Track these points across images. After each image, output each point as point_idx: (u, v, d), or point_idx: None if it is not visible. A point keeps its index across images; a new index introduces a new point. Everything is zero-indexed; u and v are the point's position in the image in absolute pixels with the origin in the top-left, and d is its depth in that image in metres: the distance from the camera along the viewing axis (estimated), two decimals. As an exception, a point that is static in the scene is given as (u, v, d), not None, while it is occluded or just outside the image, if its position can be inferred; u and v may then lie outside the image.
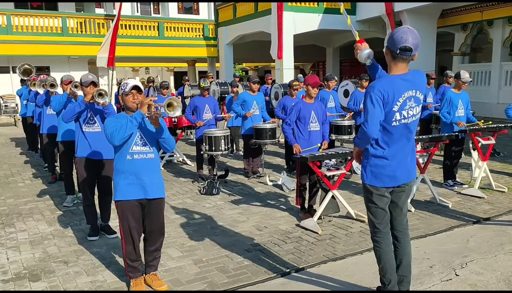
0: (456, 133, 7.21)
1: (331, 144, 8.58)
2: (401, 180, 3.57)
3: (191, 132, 13.45)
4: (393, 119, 3.45)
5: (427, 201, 7.01)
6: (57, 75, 8.16)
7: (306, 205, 6.47)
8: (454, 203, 6.87)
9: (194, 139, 9.90)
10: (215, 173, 8.19)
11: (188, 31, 24.73)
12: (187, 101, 12.85)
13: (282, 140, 10.98)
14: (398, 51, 3.37)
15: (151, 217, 4.26)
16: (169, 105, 3.94)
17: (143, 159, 4.16)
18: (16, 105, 19.12)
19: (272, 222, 6.23)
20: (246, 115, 9.16)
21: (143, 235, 4.35)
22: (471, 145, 7.38)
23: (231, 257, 5.04)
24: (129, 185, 4.12)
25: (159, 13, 32.92)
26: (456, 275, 4.23)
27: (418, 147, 7.73)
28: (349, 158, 6.41)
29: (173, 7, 32.69)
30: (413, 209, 6.50)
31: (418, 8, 17.33)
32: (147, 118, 4.04)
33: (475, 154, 7.36)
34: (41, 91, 7.95)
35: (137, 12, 31.38)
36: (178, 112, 3.98)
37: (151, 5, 32.76)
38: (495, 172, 8.80)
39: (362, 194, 3.83)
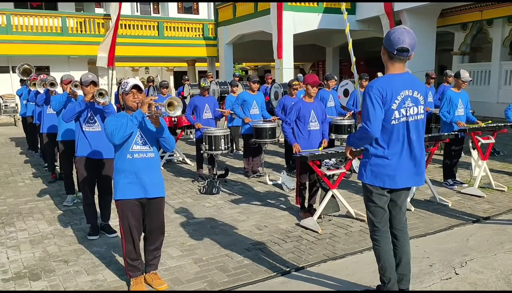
0: (456, 132, 7.22)
1: (331, 144, 8.58)
2: (401, 183, 3.55)
3: (191, 131, 13.46)
4: (392, 118, 3.46)
5: (427, 200, 7.02)
6: (57, 75, 8.16)
7: (306, 204, 6.48)
8: (454, 202, 6.87)
9: (194, 139, 9.91)
10: (215, 172, 8.20)
11: (188, 31, 24.73)
12: (187, 101, 12.86)
13: (282, 139, 10.99)
14: (396, 52, 3.40)
15: (151, 216, 4.26)
16: (170, 104, 3.95)
17: (143, 158, 4.16)
18: (16, 105, 19.11)
19: (272, 221, 6.23)
20: (245, 120, 9.14)
21: (143, 234, 4.36)
22: (471, 144, 7.38)
23: (231, 256, 5.05)
24: (129, 184, 4.12)
25: (158, 13, 32.90)
26: (456, 273, 4.24)
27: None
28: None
29: (172, 7, 32.67)
30: (413, 208, 6.51)
31: (418, 7, 17.33)
32: (147, 117, 4.04)
33: (475, 153, 7.36)
34: (41, 90, 7.95)
35: (137, 12, 31.36)
36: (178, 112, 3.98)
37: (151, 5, 32.73)
38: (495, 171, 8.81)
39: (362, 193, 3.84)
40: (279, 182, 8.12)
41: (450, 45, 21.32)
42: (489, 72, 19.02)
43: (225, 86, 14.01)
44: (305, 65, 36.83)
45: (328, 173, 5.91)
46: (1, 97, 19.96)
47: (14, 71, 17.79)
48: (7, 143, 14.74)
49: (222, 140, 7.87)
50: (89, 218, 5.80)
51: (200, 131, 8.31)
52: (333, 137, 8.95)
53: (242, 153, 9.88)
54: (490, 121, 7.82)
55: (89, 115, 5.64)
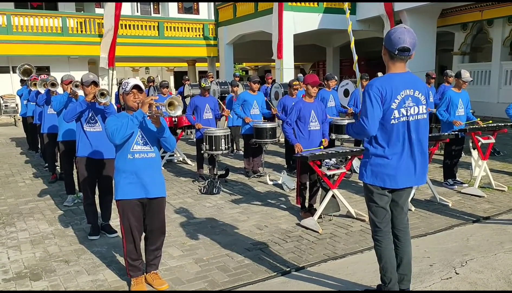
0: (456, 132, 7.22)
1: (331, 144, 8.58)
2: (402, 183, 3.55)
3: (191, 132, 13.47)
4: (392, 117, 3.46)
5: (427, 200, 7.03)
6: (57, 75, 8.17)
7: (307, 204, 6.49)
8: (454, 202, 6.88)
9: (194, 139, 9.92)
10: (215, 173, 8.21)
11: (188, 31, 24.73)
12: (187, 101, 12.86)
13: (282, 139, 10.99)
14: (397, 52, 3.41)
15: (152, 216, 4.27)
16: (170, 104, 3.95)
17: (144, 158, 4.17)
18: (16, 105, 19.13)
19: (273, 221, 6.24)
20: (246, 120, 9.16)
21: (144, 234, 4.36)
22: (471, 144, 7.39)
23: (231, 256, 5.05)
24: (130, 184, 4.13)
25: (159, 13, 32.90)
26: (456, 273, 4.24)
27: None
28: (349, 157, 6.43)
29: (173, 7, 32.68)
30: (413, 208, 6.51)
31: (418, 7, 17.34)
32: (148, 117, 4.05)
33: (475, 153, 7.37)
34: (42, 90, 7.97)
35: (137, 12, 31.37)
36: (179, 112, 3.99)
37: (151, 5, 32.74)
38: (495, 171, 8.82)
39: (362, 193, 3.84)
40: (280, 182, 8.12)
41: (450, 45, 21.32)
42: (489, 72, 19.01)
43: (226, 86, 14.01)
44: (306, 65, 36.85)
45: (329, 172, 5.91)
46: (1, 97, 19.97)
47: (14, 72, 17.80)
48: (7, 144, 14.75)
49: (223, 140, 7.88)
50: (90, 218, 5.80)
51: (201, 131, 8.32)
52: (334, 137, 8.95)
53: (243, 153, 9.89)
54: (490, 121, 7.82)
55: (90, 115, 5.64)
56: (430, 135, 7.08)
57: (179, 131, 11.49)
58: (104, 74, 22.12)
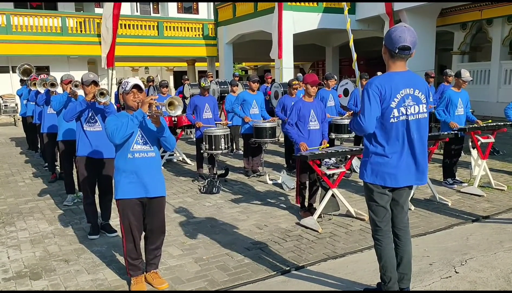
0: (456, 131, 7.23)
1: (331, 143, 8.58)
2: (402, 181, 3.55)
3: (191, 131, 13.47)
4: (391, 116, 3.46)
5: (427, 199, 7.03)
6: (56, 75, 8.16)
7: (306, 204, 6.49)
8: (453, 201, 6.88)
9: (194, 139, 9.92)
10: (215, 172, 8.21)
11: (188, 30, 24.72)
12: (187, 101, 12.86)
13: (282, 139, 11.00)
14: (397, 50, 3.41)
15: (152, 215, 4.27)
16: (170, 104, 3.96)
17: (144, 158, 4.17)
18: (16, 105, 19.12)
19: (272, 221, 6.24)
20: (245, 120, 9.16)
21: (143, 233, 4.37)
22: (470, 144, 7.39)
23: (231, 255, 5.06)
24: (130, 184, 4.13)
25: (158, 13, 32.89)
26: (456, 272, 4.24)
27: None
28: (349, 156, 6.43)
29: (172, 6, 32.66)
30: (412, 207, 6.51)
31: (418, 7, 17.34)
32: (148, 117, 4.05)
33: (474, 152, 7.37)
34: (41, 90, 7.96)
35: (137, 11, 31.35)
36: (179, 111, 3.99)
37: (151, 5, 32.72)
38: (494, 170, 8.82)
39: (362, 192, 3.85)
40: (279, 181, 8.13)
41: (450, 45, 21.33)
42: (489, 71, 19.01)
43: (225, 86, 14.02)
44: (305, 65, 36.84)
45: (328, 172, 5.92)
46: (1, 97, 19.96)
47: (14, 71, 17.80)
48: (7, 143, 14.75)
49: (222, 140, 7.89)
50: (90, 218, 5.81)
51: (200, 130, 8.32)
52: (333, 136, 8.96)
53: (242, 153, 9.89)
54: (490, 121, 7.83)
55: (90, 115, 5.65)
56: (430, 134, 7.09)
57: (178, 131, 11.50)
58: (104, 74, 22.13)
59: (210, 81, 13.43)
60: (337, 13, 19.73)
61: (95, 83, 5.57)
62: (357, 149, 6.24)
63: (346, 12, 10.44)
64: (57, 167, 9.17)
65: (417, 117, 3.52)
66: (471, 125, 7.50)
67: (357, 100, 9.76)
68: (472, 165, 7.44)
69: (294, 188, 7.39)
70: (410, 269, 3.76)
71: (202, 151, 8.16)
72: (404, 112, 3.48)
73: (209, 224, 6.15)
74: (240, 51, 25.63)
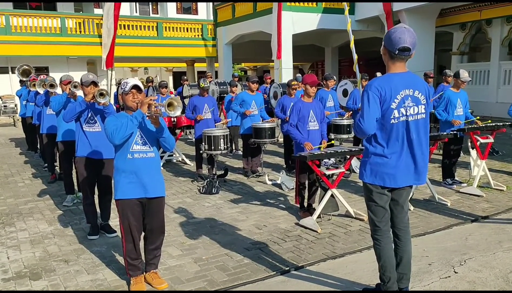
0: (455, 132, 7.24)
1: (329, 145, 8.59)
2: (401, 181, 3.56)
3: (190, 132, 13.46)
4: (392, 117, 3.47)
5: (426, 200, 7.04)
6: (56, 76, 8.18)
7: (306, 204, 6.49)
8: (453, 202, 6.89)
9: (193, 139, 9.92)
10: (214, 172, 8.21)
11: (187, 31, 24.73)
12: (186, 101, 12.86)
13: (281, 139, 11.01)
14: (397, 51, 3.41)
15: (152, 215, 4.28)
16: (170, 104, 3.97)
17: (144, 158, 4.17)
18: (15, 105, 19.13)
19: (272, 221, 6.25)
20: (246, 113, 9.18)
21: (143, 233, 4.37)
22: (469, 144, 7.39)
23: (230, 255, 5.06)
24: (129, 184, 4.14)
25: (157, 13, 32.91)
26: (455, 272, 4.25)
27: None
28: (348, 156, 6.44)
29: (171, 7, 32.69)
30: (412, 208, 6.52)
31: (417, 7, 17.36)
32: (147, 117, 4.05)
33: (473, 152, 7.38)
34: (41, 91, 7.98)
35: (136, 12, 31.37)
36: (178, 112, 4.00)
37: (150, 5, 32.75)
38: (493, 170, 8.83)
39: (361, 192, 3.85)
40: (278, 181, 8.13)
41: (449, 45, 21.35)
42: (488, 72, 19.04)
43: (224, 87, 14.03)
44: (304, 65, 36.86)
45: (327, 172, 5.93)
46: (0, 98, 19.97)
47: (13, 72, 17.79)
48: (6, 144, 14.74)
49: (222, 140, 7.89)
50: (89, 218, 5.81)
51: (200, 131, 8.33)
52: (332, 137, 8.96)
53: (242, 153, 9.90)
54: (489, 121, 7.84)
55: (89, 115, 5.65)
56: (429, 134, 7.09)
57: (178, 131, 11.50)
58: (103, 75, 22.14)
59: (210, 81, 13.43)
60: (336, 13, 19.75)
61: (95, 83, 5.58)
62: (356, 149, 6.25)
63: (346, 12, 10.43)
64: (56, 168, 9.18)
65: (416, 118, 3.52)
66: (470, 125, 7.51)
67: (357, 100, 9.76)
68: (471, 165, 7.46)
69: (293, 188, 7.40)
70: (410, 269, 3.76)
71: (201, 151, 8.17)
72: (404, 113, 3.49)
73: (208, 224, 6.16)
74: (239, 51, 25.65)
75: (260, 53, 25.68)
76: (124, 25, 22.53)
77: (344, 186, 7.83)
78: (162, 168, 9.59)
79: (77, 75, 7.03)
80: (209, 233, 5.79)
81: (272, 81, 16.20)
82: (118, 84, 15.72)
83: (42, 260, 5.04)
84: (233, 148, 11.79)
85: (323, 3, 19.92)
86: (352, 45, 9.82)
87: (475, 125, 7.54)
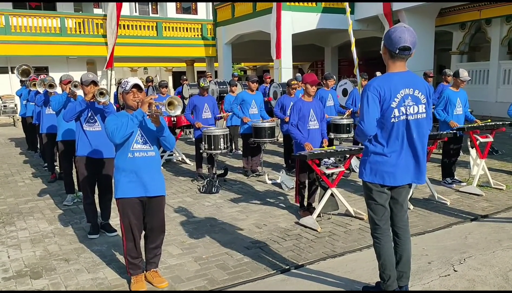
0: (454, 131, 7.25)
1: (330, 143, 8.60)
2: (401, 180, 3.57)
3: (190, 131, 13.48)
4: (392, 116, 3.48)
5: (426, 199, 7.05)
6: (55, 76, 8.19)
7: (305, 203, 6.50)
8: (452, 201, 6.91)
9: (193, 139, 9.93)
10: (214, 172, 8.22)
11: (187, 31, 24.73)
12: (186, 101, 12.87)
13: (281, 139, 11.02)
14: (397, 51, 3.42)
15: (152, 214, 4.29)
16: (170, 104, 3.97)
17: (144, 157, 4.18)
18: (15, 105, 19.13)
19: (272, 220, 6.26)
20: (244, 120, 9.18)
21: (143, 232, 4.38)
22: (469, 143, 7.41)
23: (231, 254, 5.07)
24: (129, 183, 4.15)
25: (157, 13, 32.87)
26: (455, 270, 4.26)
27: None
28: (348, 156, 6.45)
29: (171, 7, 32.64)
30: (411, 207, 6.53)
31: (416, 7, 17.38)
32: (147, 116, 4.06)
33: (473, 151, 7.39)
34: (41, 90, 7.99)
35: (135, 12, 31.34)
36: (178, 111, 4.01)
37: (149, 5, 32.71)
38: (493, 169, 8.84)
39: (360, 192, 3.86)
40: (278, 181, 8.15)
41: (449, 45, 21.37)
42: (488, 71, 19.06)
43: (224, 86, 14.04)
44: (304, 65, 36.86)
45: (327, 171, 5.93)
46: (0, 97, 19.97)
47: (13, 72, 17.78)
48: (6, 144, 14.75)
49: (222, 139, 7.90)
50: (90, 217, 5.82)
51: (200, 130, 8.34)
52: (332, 136, 8.97)
53: (241, 152, 9.91)
54: (489, 120, 7.85)
55: (89, 114, 5.66)
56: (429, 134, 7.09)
57: (178, 131, 11.50)
58: (103, 75, 22.17)
59: (209, 81, 13.43)
60: (336, 13, 19.77)
61: (95, 83, 5.58)
62: (356, 148, 6.26)
63: (348, 14, 10.38)
64: (56, 167, 9.18)
65: (416, 117, 3.53)
66: (470, 125, 7.52)
67: (356, 99, 9.78)
68: (471, 164, 7.47)
69: (293, 188, 7.41)
70: (409, 268, 3.77)
71: (201, 151, 8.18)
72: (404, 112, 3.50)
73: (208, 224, 6.17)
74: (239, 51, 25.65)
75: (259, 53, 25.69)
76: (124, 25, 22.53)
77: (344, 185, 7.84)
78: (162, 168, 9.60)
79: (76, 75, 7.04)
80: (209, 232, 5.80)
81: (272, 81, 16.20)
82: (118, 83, 15.75)
83: (42, 259, 5.05)
84: (233, 148, 11.80)
85: (323, 3, 19.92)
86: (353, 48, 9.77)
87: (475, 124, 7.55)
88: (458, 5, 18.40)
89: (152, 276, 4.39)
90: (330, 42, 26.56)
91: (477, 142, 7.30)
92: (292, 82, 9.03)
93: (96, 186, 5.83)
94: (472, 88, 18.00)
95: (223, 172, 8.77)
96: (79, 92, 6.21)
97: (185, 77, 16.78)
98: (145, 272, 4.43)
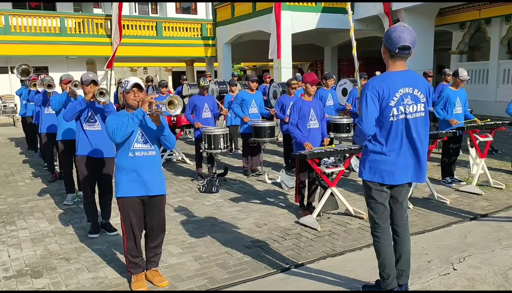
0: (454, 130, 7.26)
1: (330, 143, 8.60)
2: (400, 179, 3.58)
3: (190, 131, 13.49)
4: (391, 115, 3.49)
5: (426, 198, 7.06)
6: (55, 75, 8.20)
7: (305, 202, 6.51)
8: (452, 200, 6.92)
9: (193, 138, 9.94)
10: (214, 171, 8.23)
11: (186, 31, 24.75)
12: (186, 100, 12.88)
13: (280, 138, 11.03)
14: (397, 50, 3.43)
15: (152, 213, 4.30)
16: (170, 103, 3.98)
17: (144, 156, 4.19)
18: (15, 105, 19.13)
19: (272, 219, 6.27)
20: (244, 119, 9.20)
21: (144, 231, 4.39)
22: (469, 142, 7.42)
23: (231, 253, 5.08)
24: (130, 182, 4.16)
25: (157, 13, 32.87)
26: (454, 269, 4.27)
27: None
28: (348, 155, 6.46)
29: (171, 7, 32.64)
30: (411, 206, 6.54)
31: (416, 6, 17.39)
32: (148, 116, 4.07)
33: (473, 151, 7.41)
34: (42, 90, 8.00)
35: (135, 12, 31.34)
36: (178, 110, 4.02)
37: (149, 5, 32.70)
38: (493, 169, 8.85)
39: (360, 191, 3.87)
40: (278, 180, 8.16)
41: (448, 44, 21.39)
42: (487, 71, 19.08)
43: (224, 86, 14.05)
44: (304, 64, 36.87)
45: (327, 171, 5.94)
46: (0, 97, 19.98)
47: (12, 72, 17.80)
48: (6, 144, 14.75)
49: (221, 139, 7.91)
50: (90, 216, 5.83)
51: (200, 130, 8.34)
52: (332, 136, 8.98)
53: (241, 152, 9.92)
54: (489, 120, 7.86)
55: (89, 114, 5.67)
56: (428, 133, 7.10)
57: (177, 130, 11.51)
58: (103, 75, 22.19)
59: (209, 81, 13.44)
60: (335, 13, 19.78)
61: (95, 82, 5.59)
62: (356, 147, 6.27)
63: (350, 17, 10.30)
64: (56, 167, 9.19)
65: (415, 116, 3.54)
66: (469, 124, 7.53)
67: (356, 100, 9.77)
68: (470, 163, 7.48)
69: (293, 187, 7.43)
70: (409, 266, 3.78)
71: (201, 150, 8.19)
72: (403, 111, 3.51)
73: (208, 223, 6.18)
74: (238, 51, 25.66)
75: (259, 53, 25.65)
76: (124, 25, 22.52)
77: (344, 184, 7.86)
78: (162, 167, 9.60)
79: (76, 75, 7.04)
80: (209, 231, 5.81)
81: (272, 80, 16.22)
82: (118, 83, 15.76)
83: (43, 258, 5.06)
84: (233, 147, 11.81)
85: (322, 2, 19.93)
86: (354, 52, 9.71)
87: (474, 124, 7.57)
88: (458, 5, 18.41)
89: (152, 275, 4.40)
90: (330, 42, 26.57)
91: (477, 141, 7.32)
92: (292, 82, 9.03)
93: (96, 185, 5.84)
94: (471, 87, 18.00)
95: (223, 171, 8.78)
96: (79, 91, 6.22)
97: (184, 77, 16.79)
98: (145, 271, 4.43)
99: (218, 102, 9.16)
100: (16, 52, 20.36)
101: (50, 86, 7.24)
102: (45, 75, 8.78)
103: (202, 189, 7.87)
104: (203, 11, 33.52)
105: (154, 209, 4.30)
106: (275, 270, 4.63)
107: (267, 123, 8.66)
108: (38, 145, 11.24)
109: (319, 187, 6.29)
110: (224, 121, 11.75)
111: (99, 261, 4.95)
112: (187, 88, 14.65)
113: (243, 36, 23.12)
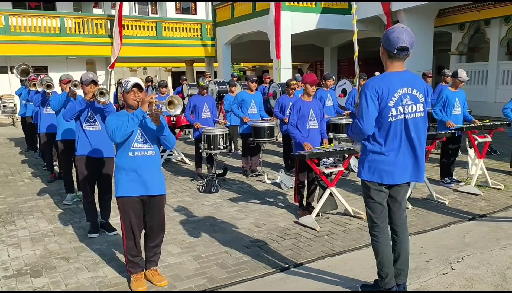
0: (453, 131, 7.28)
1: (329, 142, 8.61)
2: (399, 178, 3.60)
3: (189, 131, 13.50)
4: (389, 115, 3.51)
5: (424, 198, 7.08)
6: (55, 76, 8.21)
7: (304, 202, 6.53)
8: (450, 200, 6.93)
9: (193, 138, 9.95)
10: (213, 171, 8.24)
11: (186, 31, 24.76)
12: (185, 101, 12.90)
13: (280, 139, 11.04)
14: (395, 51, 3.45)
15: (152, 213, 4.31)
16: (170, 103, 4.00)
17: (144, 156, 4.21)
18: (15, 105, 19.13)
19: (271, 219, 6.28)
20: (244, 120, 9.21)
21: (143, 231, 4.40)
22: (467, 143, 7.44)
23: (230, 253, 5.10)
24: (130, 182, 4.17)
25: (156, 13, 32.88)
26: (452, 269, 4.29)
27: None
28: (347, 155, 6.47)
29: (170, 7, 32.65)
30: (410, 206, 6.56)
31: (415, 7, 17.40)
32: (148, 116, 4.08)
33: (471, 151, 7.42)
34: (41, 90, 8.01)
35: (135, 12, 31.35)
36: (178, 110, 4.03)
37: (149, 5, 32.72)
38: (491, 169, 8.86)
39: (359, 191, 3.89)
40: (277, 180, 8.17)
41: (448, 45, 21.40)
42: (487, 72, 19.08)
43: (224, 86, 14.06)
44: (303, 65, 36.87)
45: (326, 171, 5.96)
46: (-1, 97, 20.01)
47: (12, 72, 17.80)
48: (5, 144, 14.76)
49: (221, 139, 7.92)
50: (89, 216, 5.84)
51: (199, 130, 8.35)
52: (331, 136, 8.98)
53: (241, 152, 9.93)
54: (487, 120, 7.88)
55: (89, 114, 5.68)
56: (427, 133, 7.11)
57: (177, 130, 11.52)
58: (103, 75, 22.19)
59: (209, 81, 13.45)
60: (335, 13, 19.79)
61: (95, 82, 5.60)
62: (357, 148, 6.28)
63: (354, 21, 10.24)
64: (55, 167, 9.20)
65: (414, 116, 3.56)
66: (468, 125, 7.54)
67: (355, 100, 9.79)
68: (469, 164, 7.49)
69: (292, 187, 7.44)
70: (407, 266, 3.80)
71: (200, 151, 8.19)
72: (402, 111, 3.53)
73: (208, 223, 6.19)
74: (238, 51, 25.66)
75: (259, 53, 25.69)
76: (124, 25, 22.52)
77: (343, 184, 7.87)
78: (161, 167, 9.61)
79: (76, 75, 7.05)
80: (209, 231, 5.82)
81: (271, 81, 16.24)
82: (118, 83, 15.77)
83: (42, 258, 5.08)
84: (232, 147, 11.81)
85: (322, 3, 19.95)
86: (355, 56, 9.67)
87: (473, 124, 7.58)
88: (457, 6, 18.44)
89: (151, 275, 4.41)
90: (330, 43, 26.58)
91: (476, 142, 7.33)
92: (292, 82, 9.04)
93: (95, 185, 5.85)
94: (471, 88, 18.03)
95: (222, 171, 8.79)
96: (79, 91, 6.23)
97: (184, 77, 16.81)
98: (145, 270, 4.45)
99: (223, 122, 9.19)
100: (15, 52, 20.36)
101: (48, 86, 7.25)
102: (45, 75, 8.79)
103: (202, 189, 7.88)
104: (203, 11, 33.55)
105: (154, 208, 4.31)
106: (274, 269, 4.64)
107: (267, 124, 8.67)
108: (38, 145, 11.25)
109: (318, 187, 6.30)
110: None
111: (99, 261, 4.96)
112: (186, 88, 14.67)
113: (243, 37, 23.13)
